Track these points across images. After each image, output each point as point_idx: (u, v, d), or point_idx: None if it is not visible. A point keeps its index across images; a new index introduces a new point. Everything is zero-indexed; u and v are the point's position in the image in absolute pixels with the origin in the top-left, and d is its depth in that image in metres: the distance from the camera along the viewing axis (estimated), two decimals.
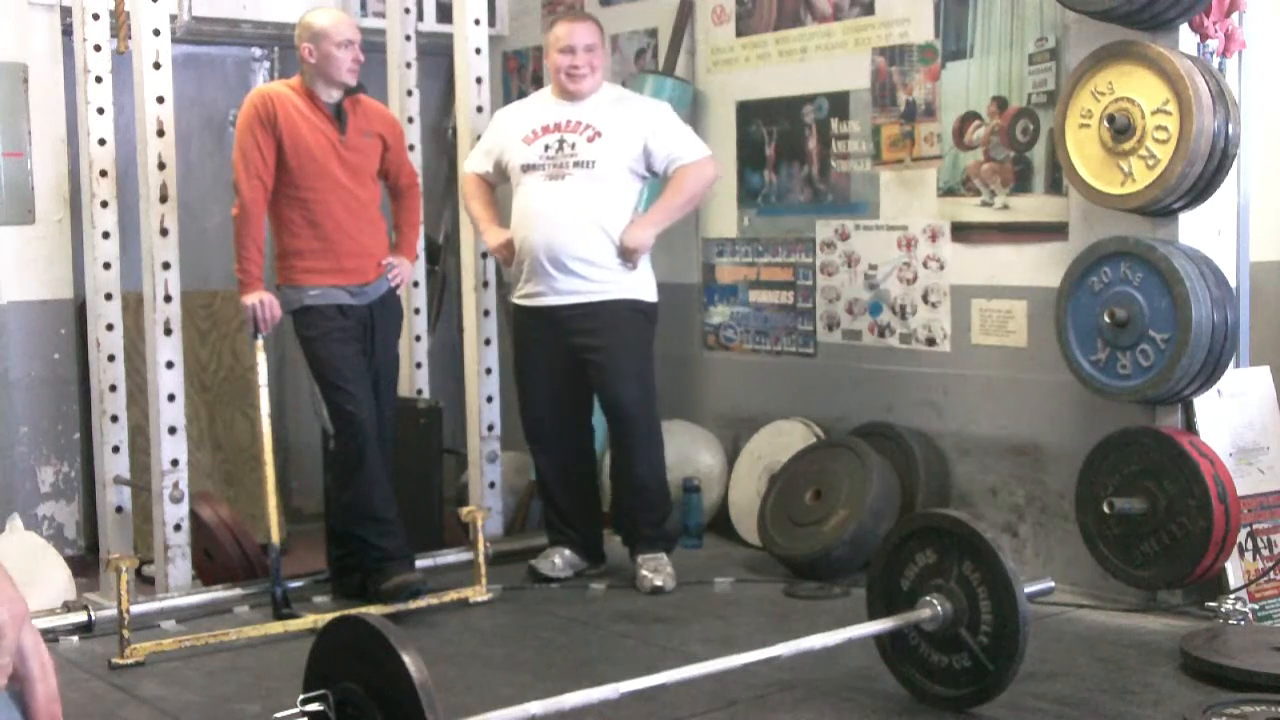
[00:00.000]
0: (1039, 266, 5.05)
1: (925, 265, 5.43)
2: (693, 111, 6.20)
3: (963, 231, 5.32)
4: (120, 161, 5.17)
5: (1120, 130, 4.58)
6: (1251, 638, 4.27)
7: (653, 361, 5.34)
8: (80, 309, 5.53)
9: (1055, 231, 5.03)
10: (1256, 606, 4.64)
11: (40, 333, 5.76)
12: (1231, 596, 4.59)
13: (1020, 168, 5.12)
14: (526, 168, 5.22)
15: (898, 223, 5.52)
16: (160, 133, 5.03)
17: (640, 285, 5.27)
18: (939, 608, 3.74)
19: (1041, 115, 5.03)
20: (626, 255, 5.14)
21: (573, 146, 5.18)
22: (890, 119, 5.53)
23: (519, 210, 5.26)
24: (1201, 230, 4.72)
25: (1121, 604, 4.78)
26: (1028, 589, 3.71)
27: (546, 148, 5.21)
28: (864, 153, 5.63)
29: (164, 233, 5.04)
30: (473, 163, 5.48)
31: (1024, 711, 3.77)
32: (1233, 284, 4.69)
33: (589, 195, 5.14)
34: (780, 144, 5.96)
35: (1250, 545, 4.74)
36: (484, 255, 5.81)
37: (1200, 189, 4.55)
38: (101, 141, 5.08)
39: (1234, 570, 4.68)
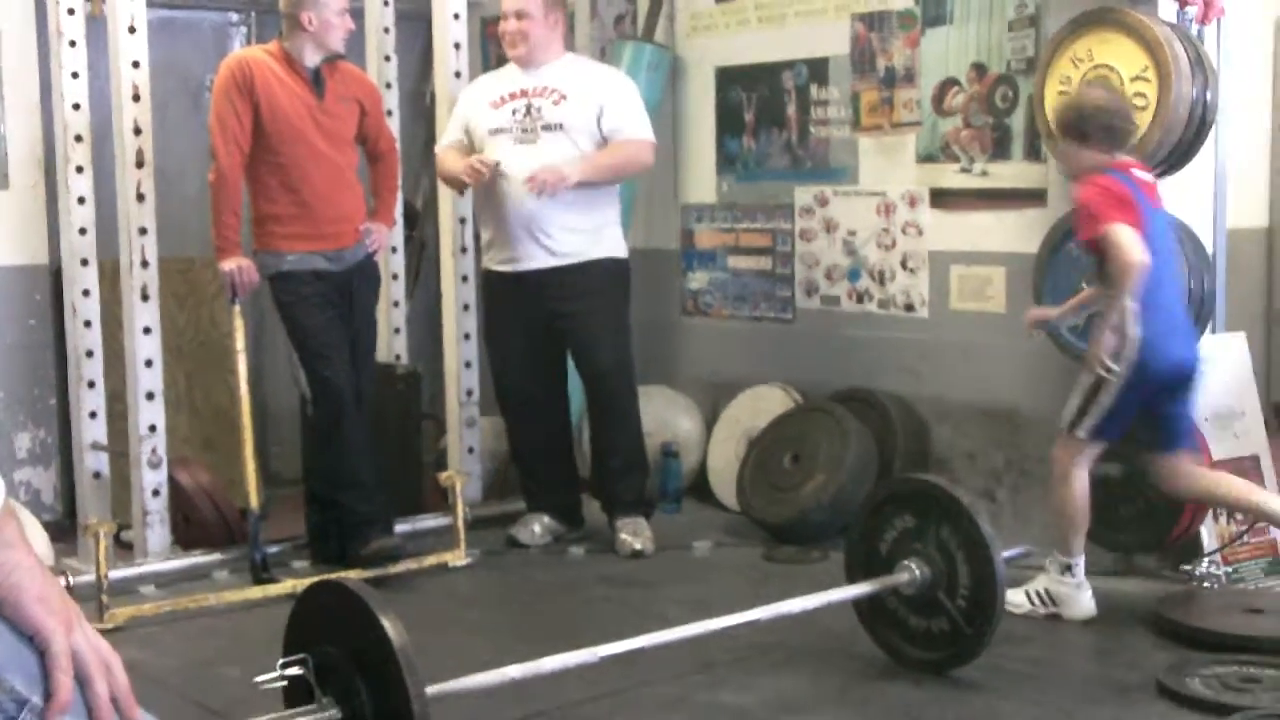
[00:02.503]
0: (1017, 233, 5.06)
1: (904, 231, 5.44)
2: (671, 77, 6.18)
3: (941, 198, 5.32)
4: (95, 126, 5.12)
5: None
6: (1225, 600, 4.31)
7: (629, 325, 5.34)
8: (56, 275, 5.50)
9: (1034, 198, 5.04)
10: (1230, 569, 4.68)
11: (15, 299, 5.73)
12: (1206, 560, 4.63)
13: (999, 134, 5.12)
14: (494, 131, 5.20)
15: (877, 189, 5.52)
16: (136, 98, 4.99)
17: (613, 243, 5.27)
18: (917, 572, 3.76)
19: (1021, 82, 5.03)
20: (544, 180, 4.99)
21: (539, 110, 5.16)
22: (869, 85, 5.52)
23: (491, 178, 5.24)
24: (1179, 197, 4.73)
25: (1098, 568, 4.79)
26: (1005, 553, 3.73)
27: (514, 112, 5.19)
28: (843, 119, 5.63)
29: (140, 198, 5.01)
30: (446, 138, 5.43)
31: (1001, 674, 3.80)
32: (1210, 251, 4.71)
33: (559, 158, 5.12)
34: (759, 110, 5.95)
35: (1225, 510, 4.77)
36: (461, 221, 5.79)
37: (1179, 156, 4.56)
38: (76, 106, 5.04)
39: (1209, 534, 4.72)
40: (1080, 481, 4.21)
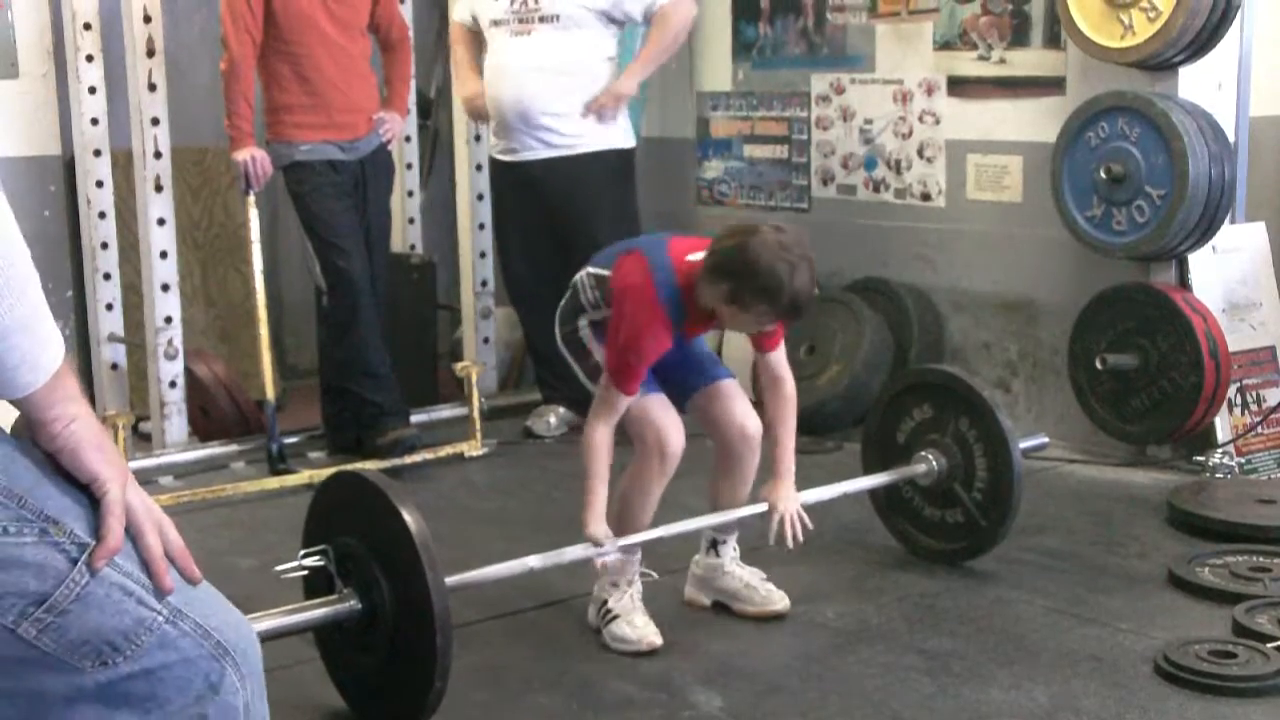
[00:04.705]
0: (1035, 121, 5.01)
1: (921, 120, 5.38)
2: None
3: (959, 85, 5.26)
4: (104, 14, 5.06)
5: None
6: (1237, 490, 4.33)
7: (634, 217, 5.27)
8: (69, 165, 5.47)
9: (1052, 86, 4.97)
10: (1243, 460, 4.69)
11: (28, 190, 5.68)
12: (1219, 450, 4.64)
13: (1018, 21, 5.05)
14: (494, 23, 5.15)
15: (894, 76, 5.46)
16: None
17: (612, 134, 5.18)
18: (934, 462, 3.77)
19: None
20: (603, 105, 5.02)
21: (536, 1, 5.09)
22: None
23: (489, 68, 5.21)
24: (1201, 84, 4.67)
25: (1112, 459, 4.82)
26: (1021, 444, 3.74)
27: (512, 1, 5.11)
28: (860, 5, 5.55)
29: (152, 88, 4.98)
30: (458, 11, 5.41)
31: (1014, 564, 3.82)
32: (1231, 139, 4.65)
33: (555, 49, 5.05)
34: None
35: (1239, 400, 4.78)
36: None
37: (1202, 41, 4.49)
38: None
39: (1222, 425, 4.72)
40: None
